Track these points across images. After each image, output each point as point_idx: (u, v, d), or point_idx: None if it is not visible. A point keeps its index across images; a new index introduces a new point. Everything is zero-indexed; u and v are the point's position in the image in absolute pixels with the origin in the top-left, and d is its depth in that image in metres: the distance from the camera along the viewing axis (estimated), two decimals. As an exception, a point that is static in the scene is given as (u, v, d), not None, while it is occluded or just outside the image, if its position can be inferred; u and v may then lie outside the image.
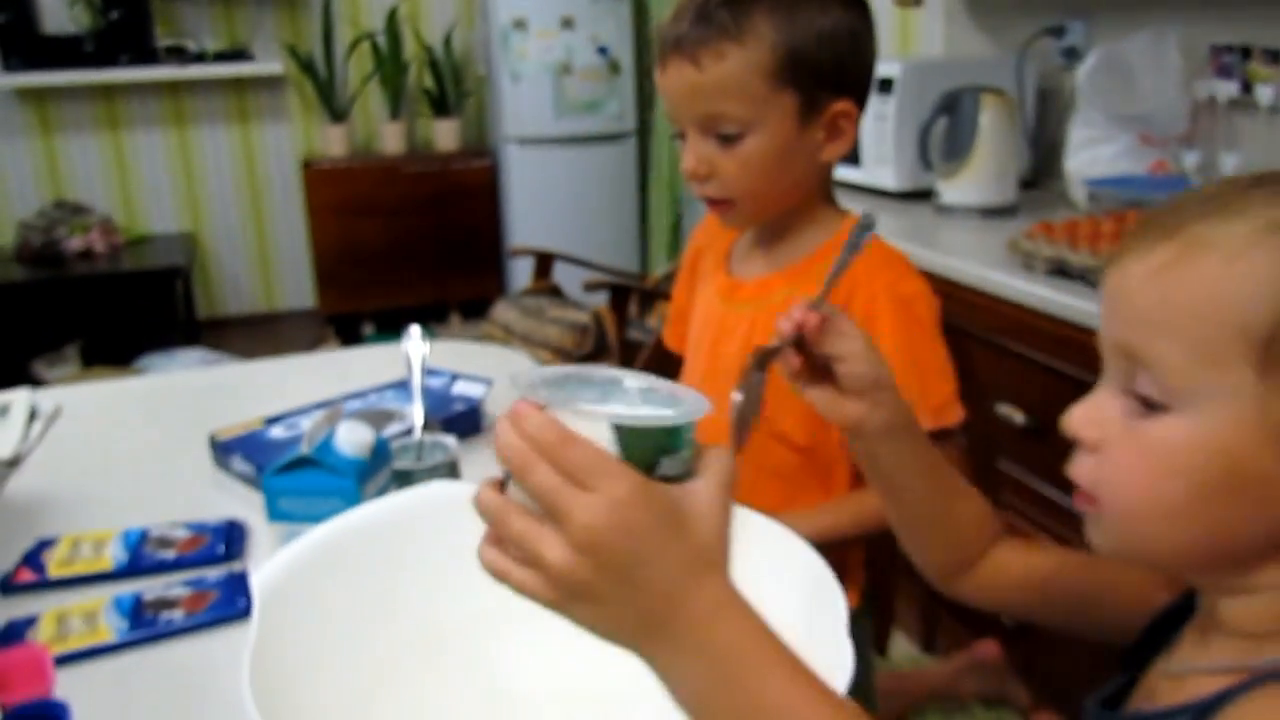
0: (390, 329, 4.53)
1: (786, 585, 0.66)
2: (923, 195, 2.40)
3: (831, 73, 1.01)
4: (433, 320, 4.62)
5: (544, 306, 3.01)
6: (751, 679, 0.44)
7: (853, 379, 0.69)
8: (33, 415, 1.43)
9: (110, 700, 0.84)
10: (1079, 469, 0.56)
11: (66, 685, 0.83)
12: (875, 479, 0.74)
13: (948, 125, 2.26)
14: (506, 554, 0.47)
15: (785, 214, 1.10)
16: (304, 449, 0.88)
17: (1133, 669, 0.63)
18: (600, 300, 2.90)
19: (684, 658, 0.45)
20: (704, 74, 1.00)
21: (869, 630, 1.23)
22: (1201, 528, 0.52)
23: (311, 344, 4.41)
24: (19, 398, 1.47)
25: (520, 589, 0.46)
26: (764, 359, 0.69)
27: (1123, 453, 0.54)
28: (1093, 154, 2.23)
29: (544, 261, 3.35)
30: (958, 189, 2.26)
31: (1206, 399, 0.50)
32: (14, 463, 1.30)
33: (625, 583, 0.44)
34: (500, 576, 0.47)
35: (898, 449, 0.72)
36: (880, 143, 2.44)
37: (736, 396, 0.67)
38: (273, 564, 0.65)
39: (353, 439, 0.90)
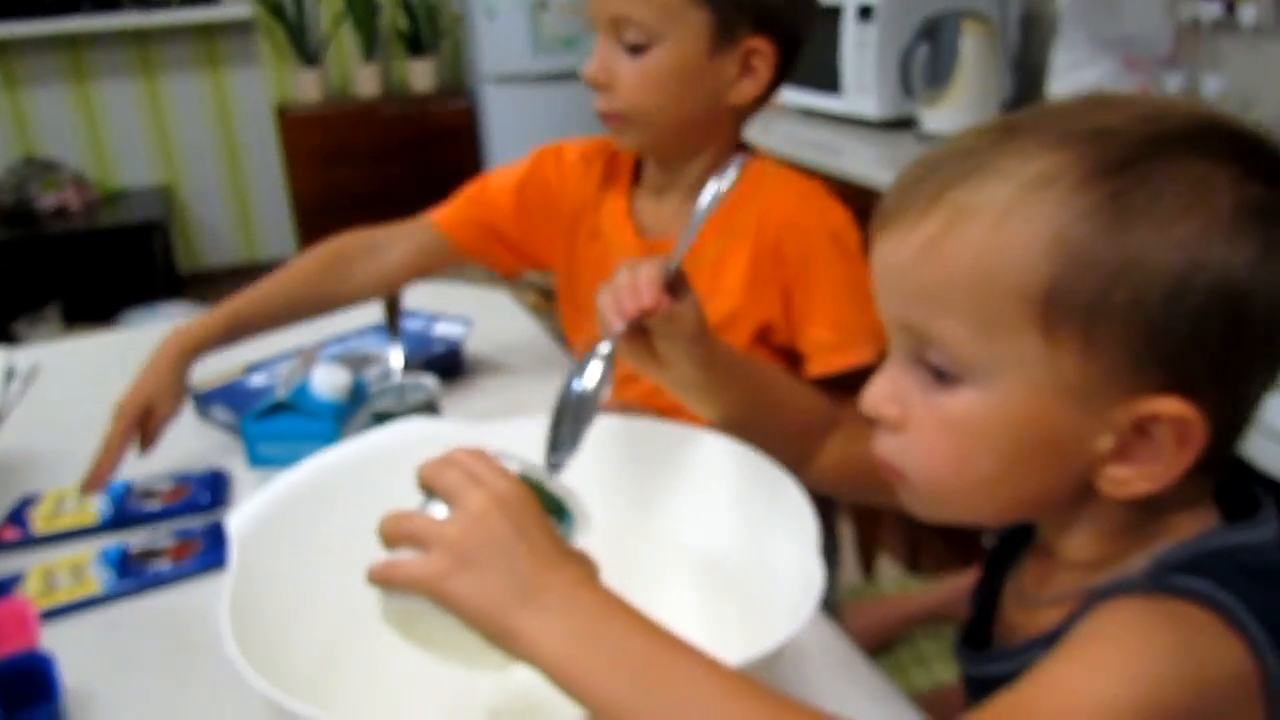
0: (373, 277, 4.50)
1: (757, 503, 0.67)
2: (905, 124, 2.38)
3: (751, 5, 0.97)
4: (416, 267, 4.59)
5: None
6: (618, 633, 0.47)
7: (678, 337, 0.72)
8: (10, 374, 1.42)
9: (100, 651, 0.84)
10: (884, 447, 0.56)
11: (56, 638, 0.83)
12: (694, 402, 0.78)
13: (929, 52, 2.23)
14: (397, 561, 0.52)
15: (694, 162, 1.04)
16: (280, 394, 0.88)
17: (985, 598, 0.65)
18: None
19: (554, 618, 0.48)
20: None
21: (828, 560, 1.24)
22: (1014, 491, 0.54)
23: (295, 294, 4.39)
24: (-5, 355, 1.45)
25: (410, 575, 0.51)
26: (613, 344, 0.71)
27: (925, 430, 0.54)
28: (1076, 78, 2.20)
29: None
30: (940, 116, 2.24)
31: (999, 369, 0.50)
32: (-6, 421, 1.29)
33: (504, 552, 0.49)
34: (387, 576, 0.52)
35: (713, 377, 0.75)
36: (861, 70, 2.41)
37: (579, 385, 0.68)
38: (248, 506, 0.65)
39: (329, 382, 0.90)
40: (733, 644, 0.61)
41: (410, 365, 1.06)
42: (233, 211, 4.57)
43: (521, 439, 0.75)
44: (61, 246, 3.95)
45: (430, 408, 1.01)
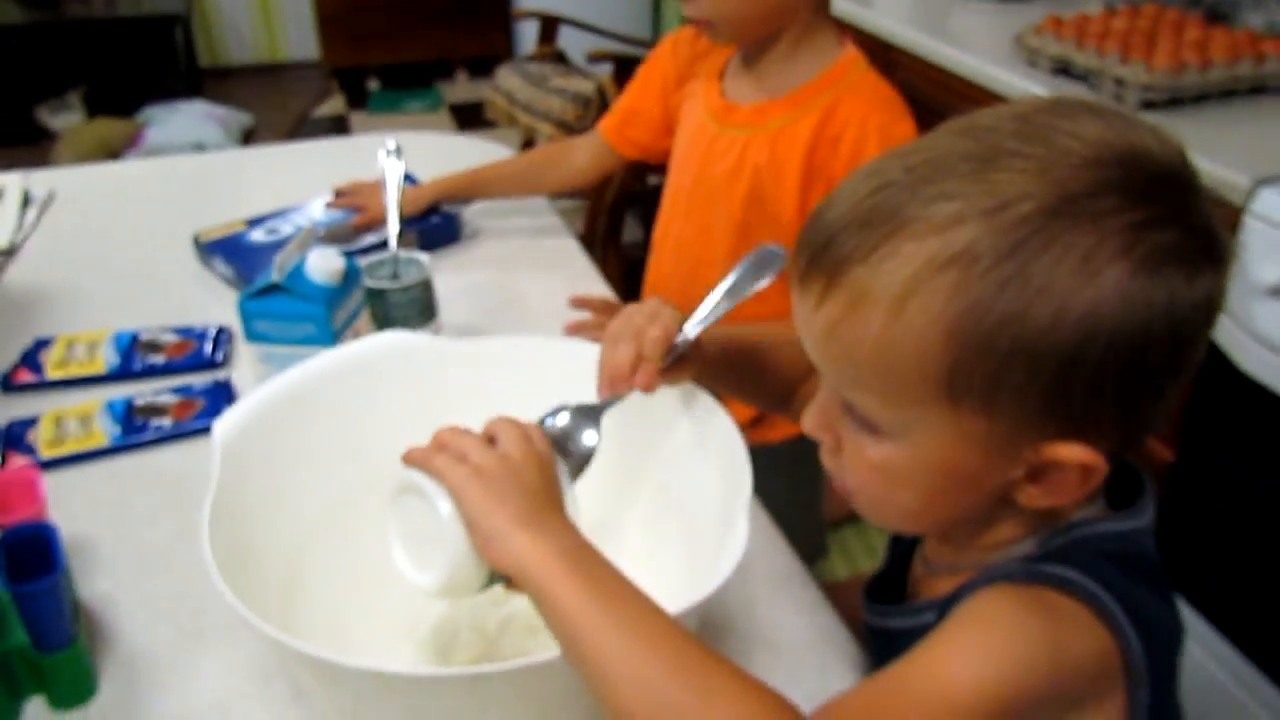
0: (396, 84, 4.43)
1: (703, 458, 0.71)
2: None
3: None
4: (438, 77, 4.50)
5: (547, 74, 2.93)
6: (592, 562, 0.55)
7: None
8: (26, 201, 1.45)
9: (102, 501, 0.91)
10: (829, 462, 0.61)
11: (62, 486, 0.90)
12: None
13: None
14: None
15: (777, 35, 1.08)
16: (275, 277, 0.91)
17: (894, 554, 0.70)
18: (606, 70, 2.82)
19: (546, 538, 0.55)
20: None
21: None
22: (937, 514, 0.59)
23: (315, 98, 4.33)
24: (11, 183, 1.48)
25: (443, 466, 0.58)
26: (598, 413, 0.70)
27: (857, 465, 0.58)
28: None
29: (549, 25, 3.22)
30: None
31: (909, 429, 0.54)
32: (10, 251, 1.33)
33: (523, 489, 0.58)
34: (424, 459, 0.59)
35: (721, 370, 0.77)
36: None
37: (587, 444, 0.69)
38: (232, 413, 0.70)
39: (323, 266, 0.93)
40: (672, 574, 0.67)
41: (406, 236, 1.08)
42: (255, 7, 4.46)
43: (490, 356, 0.80)
44: (83, 32, 3.90)
45: (425, 287, 1.05)
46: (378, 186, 1.17)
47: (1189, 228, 0.50)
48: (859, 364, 0.53)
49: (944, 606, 0.55)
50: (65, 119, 3.80)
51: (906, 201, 0.51)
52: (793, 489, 1.18)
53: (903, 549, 0.70)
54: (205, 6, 4.38)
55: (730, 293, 0.73)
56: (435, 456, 0.58)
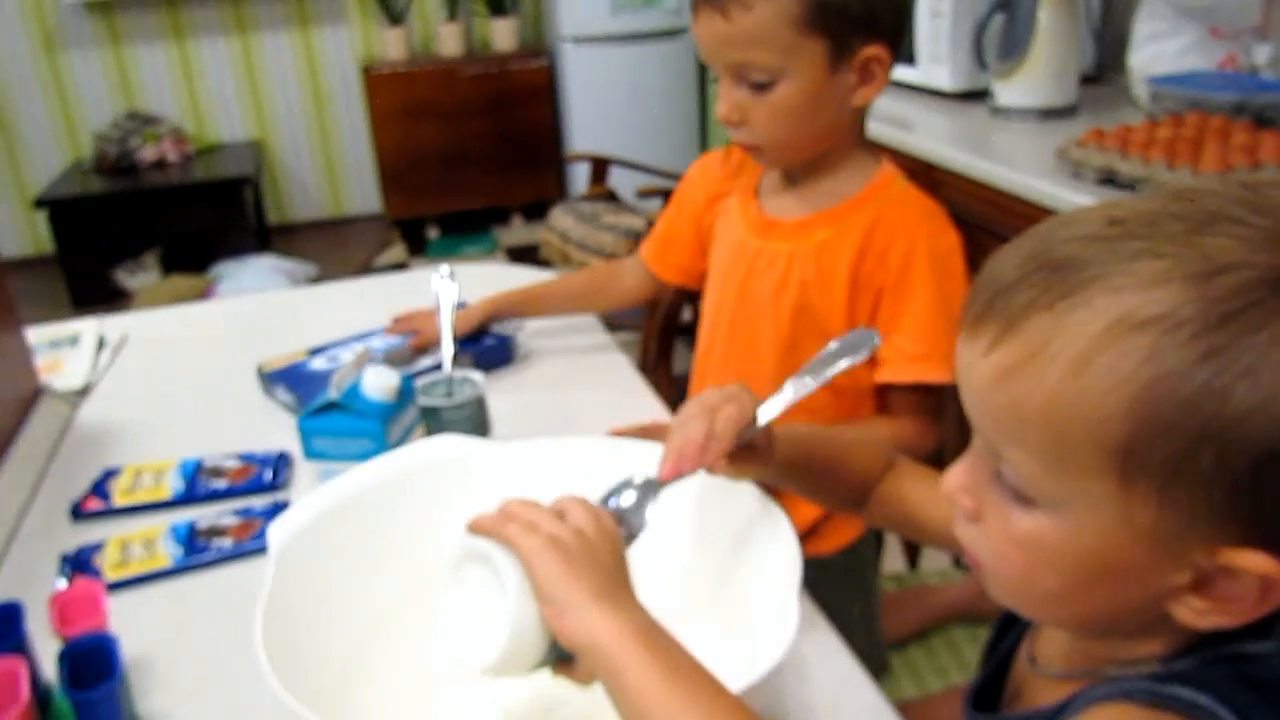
0: (454, 231, 4.59)
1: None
2: (979, 95, 2.34)
3: (862, 16, 1.00)
4: (494, 222, 4.66)
5: (599, 212, 3.02)
6: (666, 641, 0.55)
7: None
8: (101, 344, 1.52)
9: (164, 620, 0.92)
10: (963, 532, 0.56)
11: (125, 607, 0.92)
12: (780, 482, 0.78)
13: (1005, 21, 2.18)
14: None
15: (818, 156, 1.11)
16: (332, 395, 0.94)
17: (996, 656, 0.65)
18: (656, 205, 2.91)
19: (619, 613, 0.55)
20: (732, 25, 1.00)
21: (871, 556, 1.28)
22: (1081, 608, 0.52)
23: (378, 248, 4.50)
24: (88, 328, 1.55)
25: (515, 535, 0.59)
26: (656, 490, 0.69)
27: (998, 538, 0.52)
28: (1158, 48, 2.14)
29: (600, 166, 3.35)
30: (1014, 90, 2.19)
31: (1070, 502, 0.48)
32: (84, 391, 1.39)
33: (596, 563, 0.58)
34: (494, 527, 0.60)
35: (796, 468, 0.76)
36: (935, 41, 2.37)
37: (639, 523, 0.68)
38: (286, 518, 0.71)
39: (378, 384, 0.95)
40: (723, 661, 0.66)
41: (460, 358, 1.11)
42: (319, 166, 4.69)
43: (544, 459, 0.80)
44: (160, 197, 4.11)
45: (479, 405, 1.06)
46: (433, 313, 1.21)
47: None
48: (1025, 419, 0.48)
49: (1049, 719, 0.52)
50: (141, 279, 3.98)
51: (1105, 254, 0.46)
52: (848, 600, 1.16)
53: (1004, 652, 0.64)
54: (273, 168, 4.62)
55: (812, 373, 0.72)
56: (506, 525, 0.59)
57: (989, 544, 0.53)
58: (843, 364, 0.72)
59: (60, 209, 3.93)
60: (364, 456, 0.95)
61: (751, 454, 0.71)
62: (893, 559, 1.53)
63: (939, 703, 1.20)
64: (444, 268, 1.20)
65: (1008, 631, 0.65)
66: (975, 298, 0.51)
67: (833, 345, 0.74)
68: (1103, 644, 0.54)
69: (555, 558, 0.56)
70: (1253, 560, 0.45)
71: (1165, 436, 0.44)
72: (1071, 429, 0.46)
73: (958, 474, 0.55)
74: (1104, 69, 2.44)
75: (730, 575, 0.74)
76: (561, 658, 0.59)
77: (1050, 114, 2.16)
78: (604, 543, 0.59)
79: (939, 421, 1.09)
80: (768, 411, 0.70)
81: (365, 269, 4.29)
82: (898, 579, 1.44)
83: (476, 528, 0.60)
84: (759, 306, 1.15)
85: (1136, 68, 2.16)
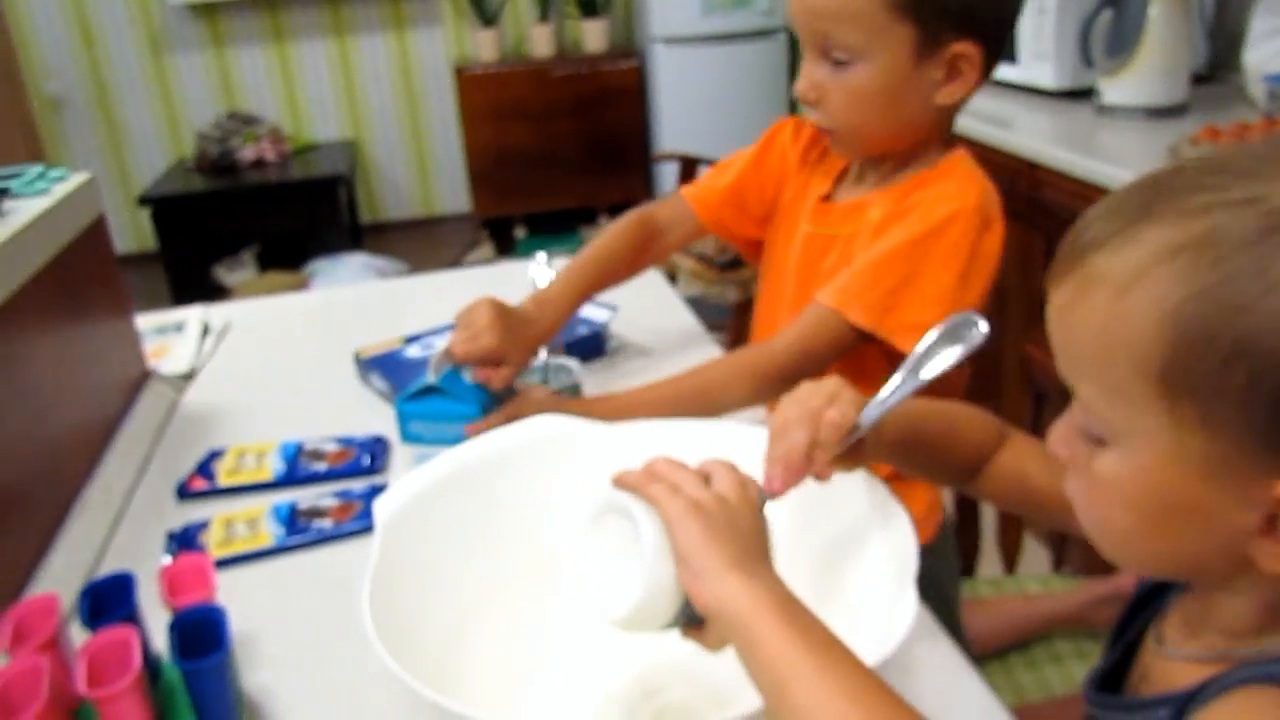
0: (542, 232, 4.63)
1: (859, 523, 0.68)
2: (1084, 94, 2.27)
3: (957, 10, 0.96)
4: (582, 223, 4.69)
5: (687, 212, 3.02)
6: (804, 614, 0.54)
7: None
8: (205, 331, 1.55)
9: (267, 598, 0.94)
10: (1068, 486, 0.57)
11: (229, 584, 0.93)
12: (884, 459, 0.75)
13: (1113, 17, 2.12)
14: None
15: (895, 153, 1.06)
16: (430, 378, 0.94)
17: (1124, 639, 0.63)
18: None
19: (757, 583, 0.55)
20: None
21: (946, 567, 1.21)
22: (1158, 549, 0.53)
23: (467, 247, 4.56)
24: (193, 315, 1.60)
25: (659, 494, 0.59)
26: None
27: (1081, 481, 0.55)
28: (1276, 46, 2.05)
29: (689, 166, 3.33)
30: (1121, 88, 2.13)
31: (1130, 435, 0.50)
32: (189, 376, 1.42)
33: (739, 531, 0.58)
34: (637, 485, 0.60)
35: (905, 447, 0.74)
36: (1039, 38, 2.31)
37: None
38: (391, 493, 0.71)
39: (478, 368, 0.95)
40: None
41: (554, 347, 1.11)
42: (412, 167, 4.77)
43: (647, 440, 0.79)
44: (258, 196, 4.22)
45: (575, 391, 1.06)
46: (493, 321, 1.07)
47: None
48: (1082, 351, 0.51)
49: (1182, 703, 0.50)
50: (239, 276, 4.09)
51: (1164, 193, 0.49)
52: (926, 595, 1.11)
53: (1132, 635, 0.63)
54: (367, 167, 4.72)
55: (916, 368, 0.67)
56: (651, 484, 0.58)
57: (1076, 491, 0.55)
58: (948, 354, 0.67)
59: (163, 206, 4.05)
60: (459, 441, 0.96)
61: (858, 448, 0.68)
62: (990, 564, 1.49)
63: (1049, 710, 1.16)
64: (541, 255, 1.20)
65: (1137, 614, 0.63)
66: (1061, 246, 0.53)
67: (931, 335, 0.69)
68: (1213, 614, 0.54)
69: (697, 523, 0.56)
70: None
71: (1199, 356, 0.46)
72: (1117, 353, 0.49)
73: (1058, 429, 0.57)
74: (1217, 67, 2.36)
75: (842, 565, 0.72)
76: (691, 621, 0.58)
77: (1159, 113, 2.09)
78: (746, 511, 0.59)
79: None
80: (870, 414, 0.67)
81: (454, 267, 4.35)
82: (995, 584, 1.40)
83: (622, 483, 0.59)
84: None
85: (1253, 65, 2.07)
